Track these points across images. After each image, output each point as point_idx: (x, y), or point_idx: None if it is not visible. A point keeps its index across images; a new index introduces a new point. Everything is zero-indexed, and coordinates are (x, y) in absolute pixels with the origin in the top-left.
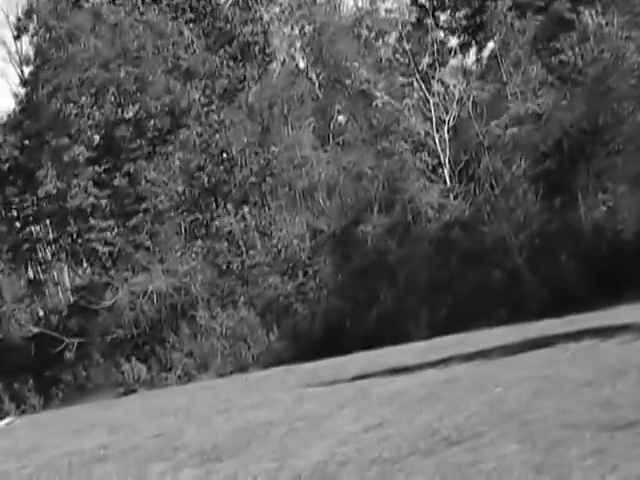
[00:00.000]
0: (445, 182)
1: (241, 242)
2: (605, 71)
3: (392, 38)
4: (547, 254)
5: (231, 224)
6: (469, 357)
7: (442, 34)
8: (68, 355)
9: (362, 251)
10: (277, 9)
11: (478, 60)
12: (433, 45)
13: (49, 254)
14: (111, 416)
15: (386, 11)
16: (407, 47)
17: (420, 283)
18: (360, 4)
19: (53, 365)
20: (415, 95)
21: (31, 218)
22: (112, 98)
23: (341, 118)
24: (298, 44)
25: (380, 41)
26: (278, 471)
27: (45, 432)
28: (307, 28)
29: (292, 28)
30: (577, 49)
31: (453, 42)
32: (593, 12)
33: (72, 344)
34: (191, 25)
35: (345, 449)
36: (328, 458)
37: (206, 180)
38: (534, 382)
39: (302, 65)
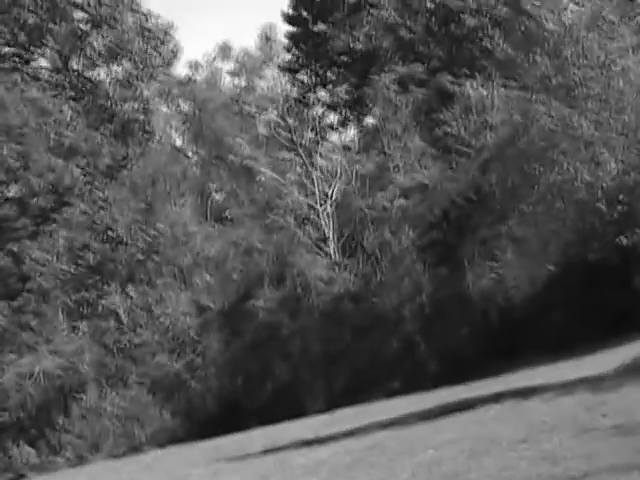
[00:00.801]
0: (330, 256)
1: (128, 320)
2: (487, 140)
3: (272, 114)
4: (438, 323)
5: (117, 302)
6: (385, 424)
7: (322, 109)
8: None
9: (253, 325)
10: (157, 86)
11: (359, 133)
12: (314, 120)
13: None
14: None
15: (263, 89)
16: (289, 122)
17: (314, 355)
18: (237, 82)
19: None
20: (297, 170)
21: None
22: None
23: (219, 195)
24: (178, 121)
25: (260, 117)
26: None
27: None
28: (187, 105)
29: (172, 105)
30: (460, 120)
31: (333, 117)
32: (474, 84)
33: None
34: (72, 102)
35: None
36: None
37: (92, 258)
38: (466, 442)
39: (183, 142)
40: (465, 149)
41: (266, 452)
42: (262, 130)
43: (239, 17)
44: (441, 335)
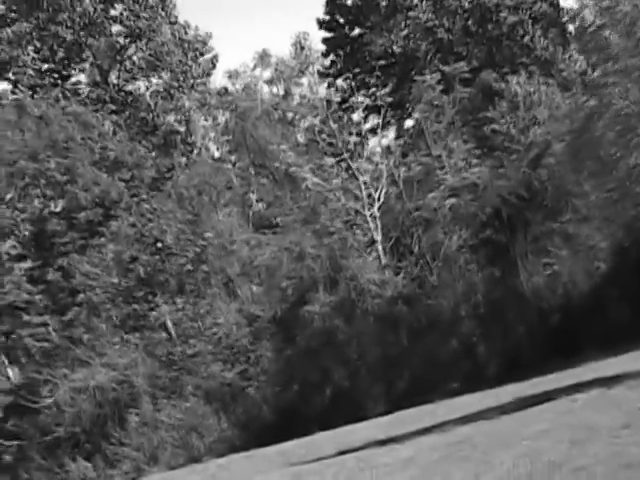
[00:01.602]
0: (380, 259)
1: (179, 331)
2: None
3: (314, 120)
4: (495, 323)
5: (168, 314)
6: (464, 421)
7: (362, 113)
8: (7, 458)
9: (308, 332)
10: (197, 97)
11: (402, 135)
12: (355, 125)
13: None
14: None
15: (302, 96)
16: (331, 127)
17: (371, 359)
18: (275, 90)
19: None
20: (342, 175)
21: None
22: (41, 191)
23: (262, 203)
24: (219, 131)
25: (301, 124)
26: None
27: None
28: (227, 115)
29: (212, 116)
30: (507, 118)
31: (373, 121)
32: (520, 80)
33: (10, 446)
34: (113, 116)
35: None
36: None
37: (141, 270)
38: (561, 432)
39: (224, 152)
40: (514, 146)
41: (340, 454)
42: (303, 137)
43: (270, 19)
44: (498, 335)
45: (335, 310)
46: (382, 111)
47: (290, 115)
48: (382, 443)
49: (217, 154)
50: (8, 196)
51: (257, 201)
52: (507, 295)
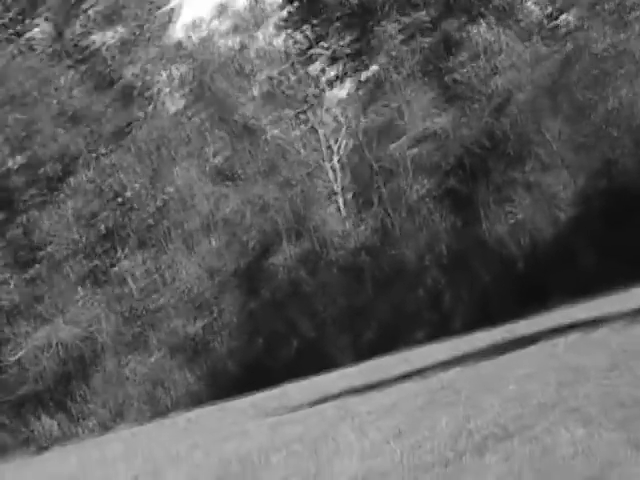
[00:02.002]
0: (339, 211)
1: (142, 286)
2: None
3: (273, 72)
4: (460, 272)
5: (130, 269)
6: (443, 366)
7: (321, 65)
8: None
9: (273, 284)
10: (155, 50)
11: (362, 86)
12: (314, 77)
13: None
14: (50, 470)
15: (261, 48)
16: (290, 79)
17: (338, 310)
18: (232, 42)
19: None
20: (302, 127)
21: None
22: (0, 147)
23: (221, 156)
24: (178, 84)
25: (260, 76)
26: None
27: None
28: (185, 68)
29: (170, 69)
30: (469, 67)
31: (332, 72)
32: (481, 30)
33: None
34: (71, 71)
35: (377, 461)
36: (363, 473)
37: (102, 226)
38: (548, 375)
39: (184, 105)
40: (476, 95)
41: (315, 404)
42: (261, 90)
43: None
44: (464, 284)
45: (299, 262)
46: (341, 62)
47: (248, 68)
48: (359, 391)
49: (175, 108)
50: None
51: (215, 155)
52: (471, 244)
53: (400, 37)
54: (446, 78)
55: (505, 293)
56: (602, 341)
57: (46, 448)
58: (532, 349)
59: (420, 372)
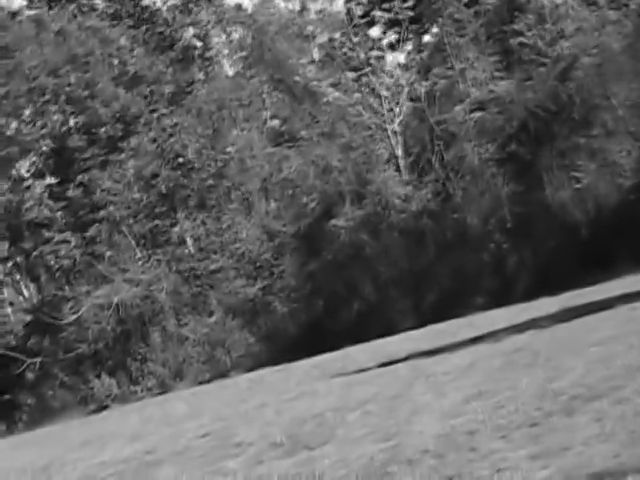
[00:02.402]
0: (400, 174)
1: (202, 247)
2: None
3: (333, 34)
4: (522, 237)
5: (190, 230)
6: (516, 329)
7: (382, 28)
8: (30, 376)
9: (335, 246)
10: (214, 11)
11: (421, 50)
12: (375, 40)
13: (2, 272)
14: (113, 428)
15: (319, 11)
16: (352, 40)
17: (399, 274)
18: (290, 6)
19: (14, 388)
20: (363, 90)
21: None
22: (60, 107)
23: (281, 118)
24: (237, 46)
25: (319, 38)
26: (396, 448)
27: (46, 450)
28: (245, 30)
29: (230, 31)
30: (535, 30)
31: (393, 35)
32: None
33: (34, 364)
34: (131, 31)
35: (459, 420)
36: (447, 431)
37: (162, 186)
38: (632, 338)
39: (243, 67)
40: (541, 59)
41: (383, 365)
42: (320, 52)
43: None
44: (527, 249)
45: (361, 224)
46: (403, 25)
47: (308, 30)
48: (429, 353)
49: (234, 70)
50: (27, 112)
51: (274, 117)
52: (534, 209)
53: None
54: (511, 41)
55: (568, 259)
56: None
57: (105, 407)
58: (608, 313)
59: (492, 335)
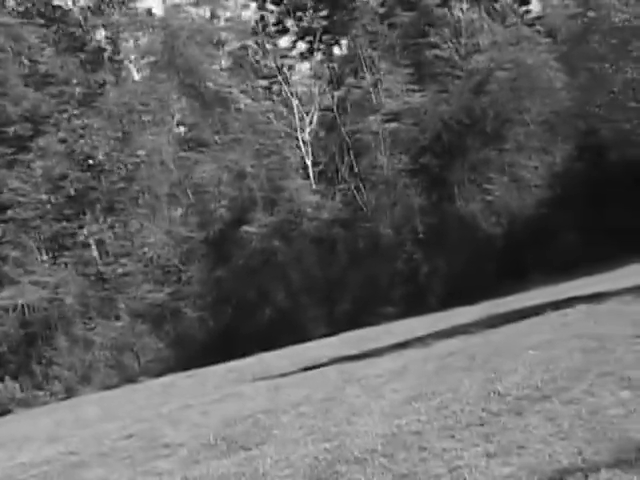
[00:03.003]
0: (309, 181)
1: (110, 250)
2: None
3: (245, 42)
4: (434, 247)
5: (98, 233)
6: (443, 335)
7: (293, 37)
8: None
9: (246, 252)
10: (126, 13)
11: (333, 60)
12: (287, 48)
13: None
14: (23, 431)
15: (227, 19)
16: (266, 48)
17: (311, 281)
18: (202, 12)
19: None
20: (274, 98)
21: None
22: None
23: (191, 123)
24: (148, 50)
25: (230, 45)
26: (341, 448)
27: None
28: (156, 34)
29: (141, 34)
30: (450, 43)
31: (304, 45)
32: (463, 7)
33: None
34: (42, 30)
35: (403, 421)
36: (394, 431)
37: (71, 188)
38: (569, 342)
39: (154, 71)
40: (456, 72)
41: (307, 369)
42: (230, 59)
43: None
44: (440, 259)
45: (274, 231)
46: (316, 34)
47: (219, 36)
48: (354, 358)
49: (144, 73)
50: None
51: (184, 121)
52: (446, 221)
53: (381, 10)
54: (426, 53)
55: (482, 270)
56: (615, 311)
57: (8, 411)
58: (539, 319)
59: (418, 340)
